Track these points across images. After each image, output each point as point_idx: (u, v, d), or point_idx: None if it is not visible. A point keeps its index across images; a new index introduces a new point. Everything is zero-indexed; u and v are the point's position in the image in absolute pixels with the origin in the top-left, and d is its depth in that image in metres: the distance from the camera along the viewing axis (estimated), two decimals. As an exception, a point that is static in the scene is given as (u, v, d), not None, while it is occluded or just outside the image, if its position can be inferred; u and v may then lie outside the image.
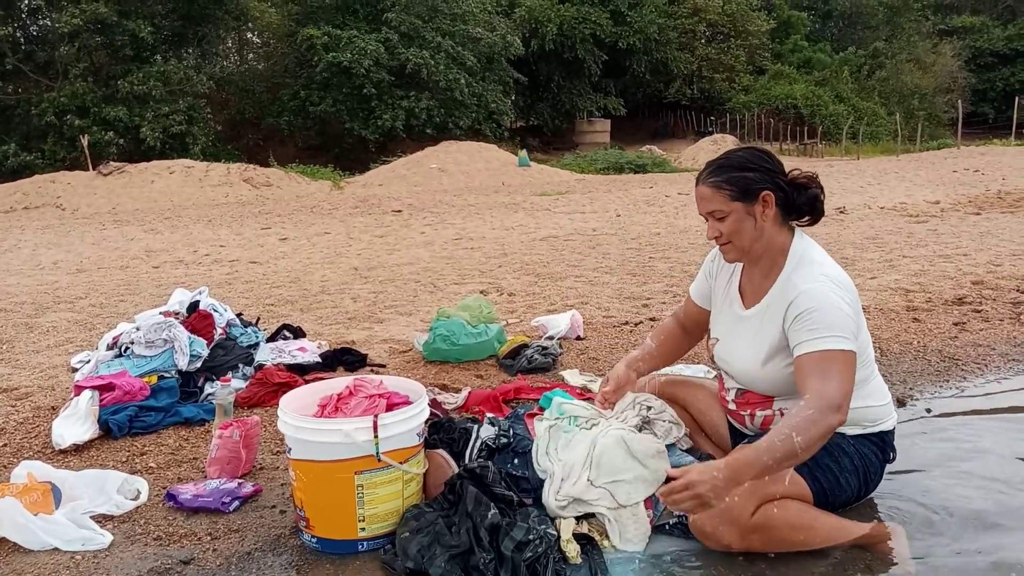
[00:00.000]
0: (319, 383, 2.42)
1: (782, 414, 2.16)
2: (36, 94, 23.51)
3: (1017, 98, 31.95)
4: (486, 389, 3.32)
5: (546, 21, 30.75)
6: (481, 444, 2.33)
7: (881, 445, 2.18)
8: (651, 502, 2.14)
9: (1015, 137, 27.20)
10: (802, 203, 2.11)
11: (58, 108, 22.36)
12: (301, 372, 3.53)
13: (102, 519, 2.31)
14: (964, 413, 3.06)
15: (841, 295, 2.03)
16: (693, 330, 2.50)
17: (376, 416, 2.07)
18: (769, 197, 2.08)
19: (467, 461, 2.28)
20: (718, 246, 2.20)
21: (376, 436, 2.06)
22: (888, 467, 2.26)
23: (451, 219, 10.77)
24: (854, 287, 2.12)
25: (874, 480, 2.21)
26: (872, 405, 2.17)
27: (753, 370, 2.17)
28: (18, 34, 24.89)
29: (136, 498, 2.42)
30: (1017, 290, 5.01)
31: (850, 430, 2.14)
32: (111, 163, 17.54)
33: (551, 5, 31.45)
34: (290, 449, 2.15)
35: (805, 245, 2.14)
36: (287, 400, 2.23)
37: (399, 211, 12.05)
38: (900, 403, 3.19)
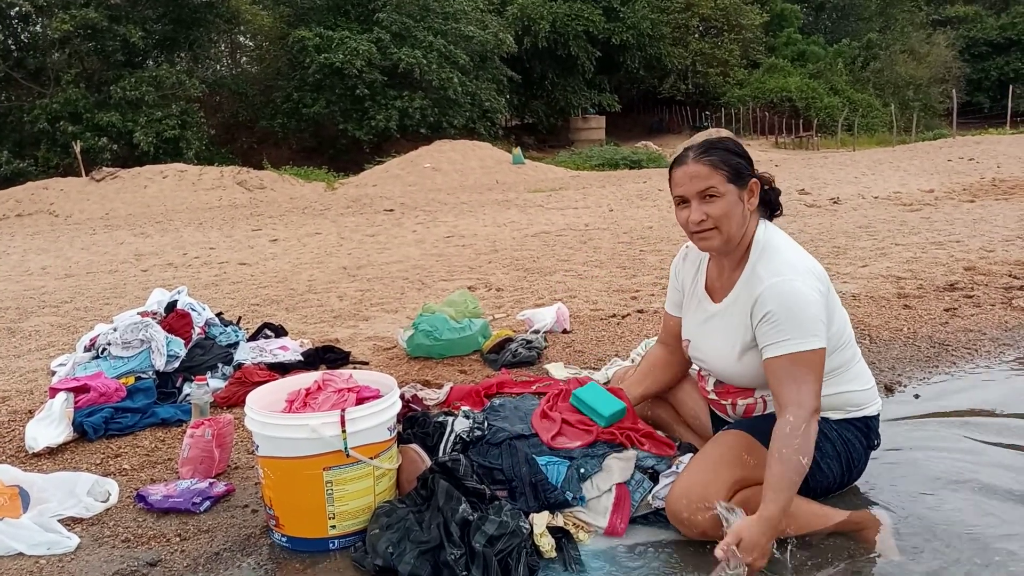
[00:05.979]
0: (288, 379, 2.37)
1: (765, 402, 2.11)
2: (28, 101, 23.41)
3: (1012, 87, 31.94)
4: (469, 384, 3.26)
5: (538, 18, 30.65)
6: (455, 437, 2.28)
7: (865, 431, 2.13)
8: (628, 492, 2.09)
9: (1010, 126, 27.16)
10: (773, 199, 2.11)
11: (51, 115, 22.25)
12: (282, 371, 3.47)
13: (71, 522, 2.26)
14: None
15: (807, 283, 1.97)
16: (677, 348, 2.34)
17: (344, 410, 2.02)
18: (756, 186, 2.05)
19: (441, 455, 2.23)
20: (696, 233, 2.04)
21: (344, 431, 2.01)
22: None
23: (443, 217, 10.70)
24: (822, 272, 2.07)
25: (858, 467, 2.16)
26: (856, 390, 2.13)
27: (730, 365, 2.11)
28: (9, 41, 24.76)
29: (106, 500, 2.37)
30: (1009, 275, 4.96)
31: (833, 415, 2.09)
32: (104, 169, 17.45)
33: (543, 2, 31.29)
34: (257, 446, 2.10)
35: (769, 234, 2.09)
36: (254, 397, 2.18)
37: (391, 210, 11.98)
38: (888, 390, 3.14)
